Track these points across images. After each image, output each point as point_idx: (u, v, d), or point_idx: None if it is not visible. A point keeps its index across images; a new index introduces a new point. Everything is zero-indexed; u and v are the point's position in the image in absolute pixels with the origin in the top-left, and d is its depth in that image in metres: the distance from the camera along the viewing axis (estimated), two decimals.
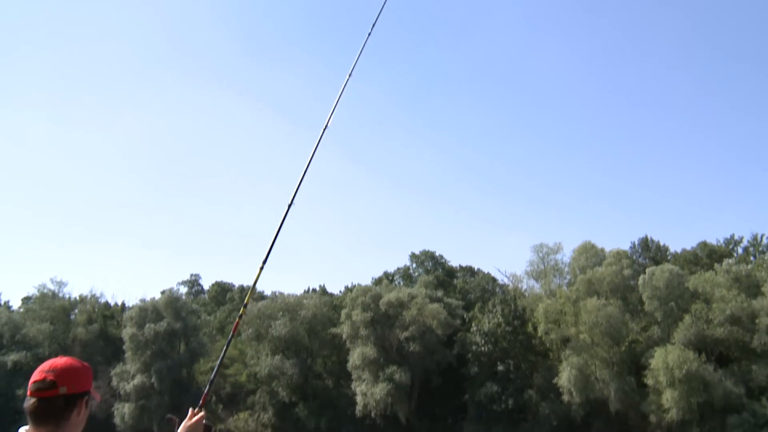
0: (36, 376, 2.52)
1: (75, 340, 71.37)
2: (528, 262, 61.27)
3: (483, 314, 58.67)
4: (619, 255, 55.09)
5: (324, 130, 4.25)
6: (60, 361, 2.58)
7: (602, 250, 57.07)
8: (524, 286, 63.22)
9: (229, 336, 3.75)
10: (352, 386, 58.56)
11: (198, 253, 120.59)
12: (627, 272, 52.92)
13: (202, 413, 3.02)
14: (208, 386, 3.40)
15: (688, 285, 50.34)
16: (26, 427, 2.52)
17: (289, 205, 3.95)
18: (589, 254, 56.63)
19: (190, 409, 3.01)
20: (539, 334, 54.54)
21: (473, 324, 58.37)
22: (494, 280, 69.15)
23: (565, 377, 50.03)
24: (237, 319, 3.80)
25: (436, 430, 54.98)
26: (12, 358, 69.07)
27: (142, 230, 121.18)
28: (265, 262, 3.86)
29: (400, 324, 58.12)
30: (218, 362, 3.66)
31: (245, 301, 3.85)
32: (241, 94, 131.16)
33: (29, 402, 2.50)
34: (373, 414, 55.86)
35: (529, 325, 56.69)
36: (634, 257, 59.71)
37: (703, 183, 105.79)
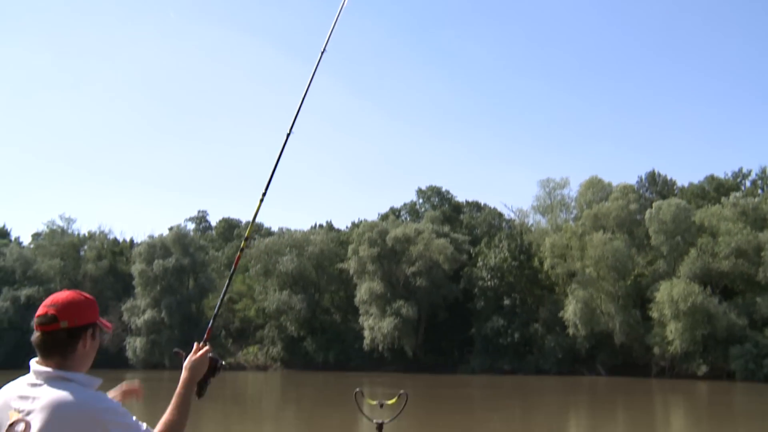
0: (39, 310, 2.56)
1: (85, 275, 72.32)
2: (534, 197, 61.13)
3: (489, 249, 58.95)
4: (626, 189, 54.92)
5: (321, 54, 4.11)
6: (62, 295, 2.60)
7: (609, 184, 56.86)
8: (530, 221, 63.29)
9: (232, 270, 3.73)
10: (360, 321, 59.38)
11: (204, 190, 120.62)
12: (633, 206, 52.85)
13: (207, 347, 3.03)
14: (212, 320, 3.40)
15: (695, 219, 50.32)
16: (36, 359, 2.56)
17: (288, 134, 3.86)
18: (596, 189, 56.44)
19: (195, 344, 3.03)
20: (545, 268, 54.86)
21: (479, 259, 58.70)
22: (501, 215, 69.20)
23: (570, 311, 50.57)
24: (238, 253, 3.75)
25: (443, 364, 55.94)
26: (25, 292, 70.13)
27: (148, 168, 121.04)
28: (264, 194, 3.80)
29: (407, 259, 58.52)
30: (221, 297, 3.65)
31: (246, 234, 3.81)
32: (245, 30, 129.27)
33: (35, 336, 2.54)
34: (380, 348, 56.78)
35: (535, 259, 56.98)
36: (641, 191, 59.49)
37: (711, 116, 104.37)
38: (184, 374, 2.92)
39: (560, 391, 36.59)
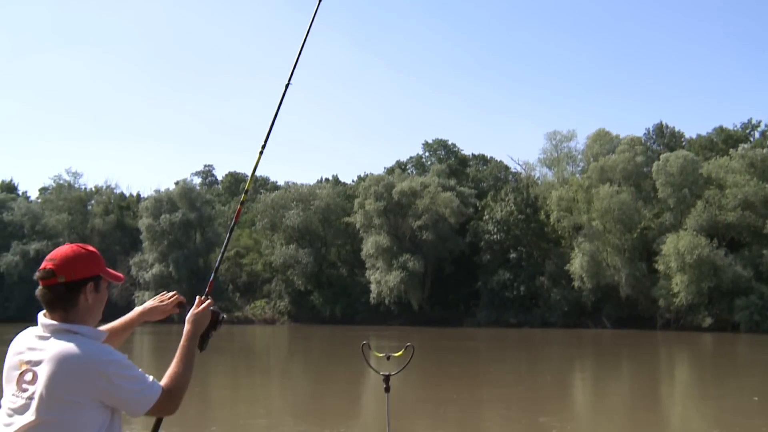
0: (41, 264, 2.56)
1: (93, 230, 72.75)
2: (541, 149, 60.85)
3: (495, 202, 58.88)
4: (633, 142, 54.52)
5: (320, 1, 4.00)
6: (62, 249, 2.61)
7: (616, 137, 56.43)
8: (537, 174, 63.04)
9: (232, 223, 3.70)
10: (366, 274, 59.70)
11: (210, 144, 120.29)
12: (640, 159, 52.53)
13: (209, 300, 3.04)
14: (213, 274, 3.40)
15: (702, 171, 50.02)
16: (44, 312, 2.58)
17: (287, 85, 3.79)
18: (603, 141, 56.05)
19: (197, 297, 3.03)
20: (551, 221, 54.82)
21: (486, 212, 58.67)
22: (507, 168, 68.90)
23: (576, 264, 50.69)
24: (239, 206, 3.72)
25: (449, 317, 56.37)
26: (33, 247, 70.68)
27: (153, 122, 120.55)
28: (264, 146, 3.74)
29: (413, 213, 58.55)
30: (222, 250, 3.64)
31: (246, 187, 3.77)
32: None
33: (38, 289, 2.56)
34: (386, 301, 57.18)
35: (542, 213, 56.92)
36: (648, 144, 59.02)
37: (720, 67, 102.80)
38: (186, 327, 2.91)
39: (566, 343, 36.91)
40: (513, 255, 55.90)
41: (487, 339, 39.80)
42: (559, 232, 55.37)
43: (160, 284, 64.88)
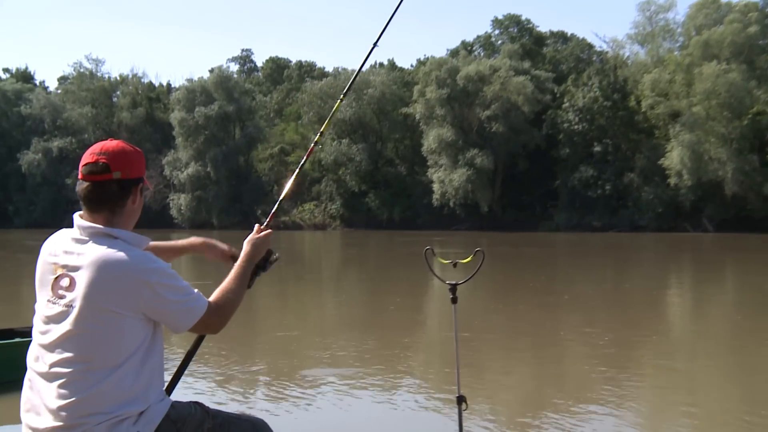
0: (87, 158, 2.57)
1: (120, 125, 74.09)
2: (632, 23, 58.98)
3: (577, 88, 57.64)
4: (747, 8, 52.01)
5: None
6: (112, 143, 2.62)
7: (727, 3, 53.83)
8: (627, 53, 61.15)
9: (302, 161, 3.68)
10: (428, 173, 59.74)
11: (248, 25, 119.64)
12: (755, 30, 50.18)
13: (269, 231, 3.07)
14: (276, 206, 3.44)
15: None
16: (80, 213, 2.60)
17: None
18: (709, 10, 53.54)
19: (257, 225, 3.08)
20: (643, 108, 53.53)
21: (565, 99, 57.58)
22: (591, 46, 67.08)
23: (673, 157, 49.65)
24: (311, 146, 3.74)
25: (522, 220, 56.32)
26: (56, 144, 72.62)
27: (182, 3, 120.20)
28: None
29: (481, 101, 57.82)
30: (285, 189, 3.66)
31: (321, 129, 3.78)
32: None
33: (82, 186, 2.57)
34: (451, 203, 57.34)
35: (632, 98, 55.55)
36: (767, 10, 56.11)
37: None
38: (245, 249, 2.97)
39: (659, 249, 36.60)
40: (597, 148, 55.04)
41: (567, 245, 39.76)
42: (653, 121, 54.10)
43: (197, 185, 66.28)
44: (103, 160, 2.55)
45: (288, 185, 3.64)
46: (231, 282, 2.79)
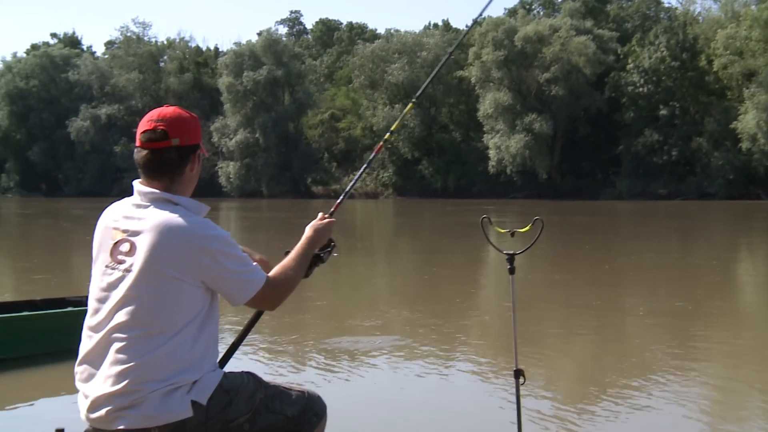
0: (144, 125, 2.63)
1: (168, 91, 75.02)
2: None
3: (643, 47, 56.54)
4: None
5: None
6: (168, 110, 2.68)
7: None
8: (697, 9, 59.90)
9: (370, 158, 3.74)
10: (484, 139, 59.41)
11: None
12: None
13: (332, 219, 3.12)
14: (342, 196, 3.50)
15: None
16: (140, 180, 2.67)
17: None
18: None
19: (320, 213, 3.13)
20: (715, 68, 52.35)
21: (630, 60, 56.58)
22: (658, 3, 65.73)
23: (747, 121, 48.52)
24: (380, 143, 3.79)
25: (583, 188, 55.74)
26: (104, 111, 73.92)
27: None
28: None
29: (540, 63, 57.14)
30: (353, 181, 3.74)
31: (392, 128, 3.84)
32: None
33: (140, 153, 2.64)
34: (508, 170, 57.00)
35: (702, 58, 54.33)
36: None
37: None
38: (307, 233, 3.03)
39: (729, 219, 35.92)
40: (663, 112, 54.10)
41: (630, 213, 39.25)
42: (725, 82, 52.90)
43: (246, 153, 66.92)
44: (162, 127, 2.60)
45: (356, 178, 3.72)
46: (291, 261, 2.85)
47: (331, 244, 3.18)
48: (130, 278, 2.51)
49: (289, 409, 2.77)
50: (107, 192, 64.77)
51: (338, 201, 3.48)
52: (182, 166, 2.64)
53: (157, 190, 2.60)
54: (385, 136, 3.86)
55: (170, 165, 2.62)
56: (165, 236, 2.50)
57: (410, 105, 3.95)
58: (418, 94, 4.02)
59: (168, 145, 2.60)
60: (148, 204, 2.59)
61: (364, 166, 3.66)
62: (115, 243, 2.57)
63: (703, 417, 5.90)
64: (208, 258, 2.51)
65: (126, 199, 2.69)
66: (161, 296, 2.49)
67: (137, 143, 2.65)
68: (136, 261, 2.51)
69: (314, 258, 3.08)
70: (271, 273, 2.75)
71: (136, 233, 2.55)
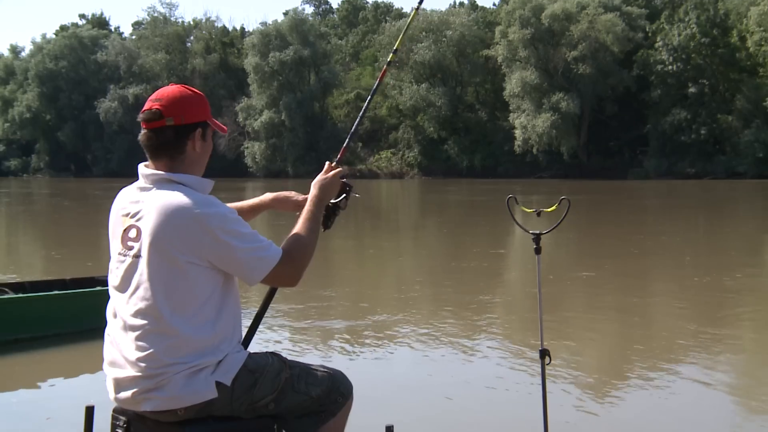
0: (146, 105, 2.62)
1: (194, 71, 75.29)
2: None
3: (672, 24, 55.75)
4: None
5: None
6: (168, 89, 2.65)
7: None
8: None
9: (374, 86, 3.65)
10: (510, 118, 59.07)
11: None
12: None
13: (339, 168, 3.03)
14: (347, 139, 3.38)
15: None
16: (145, 163, 2.66)
17: None
18: None
19: (327, 163, 3.04)
20: (748, 45, 51.52)
21: (659, 38, 55.84)
22: None
23: None
24: (384, 67, 3.66)
25: (610, 167, 55.31)
26: (132, 91, 74.34)
27: None
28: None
29: (567, 41, 56.60)
30: (360, 115, 3.61)
31: (395, 46, 3.69)
32: None
33: (142, 133, 2.63)
34: (534, 150, 56.69)
35: (734, 34, 53.53)
36: None
37: None
38: (312, 192, 2.94)
39: (759, 198, 35.52)
40: (692, 90, 53.45)
41: (658, 193, 38.91)
42: (758, 59, 51.94)
43: (272, 133, 67.04)
44: (157, 107, 2.58)
45: (362, 113, 3.60)
46: (300, 229, 2.76)
47: (347, 189, 3.08)
48: (139, 263, 2.50)
49: (314, 390, 2.75)
50: (134, 173, 63.73)
51: (344, 145, 3.38)
52: (181, 145, 2.61)
53: (158, 172, 2.58)
54: (390, 57, 3.72)
55: (168, 144, 2.60)
56: (164, 217, 2.47)
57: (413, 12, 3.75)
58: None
59: (162, 125, 2.58)
60: (151, 186, 2.58)
61: (369, 97, 3.57)
62: (125, 230, 2.57)
63: (731, 401, 5.86)
64: (209, 237, 2.46)
65: (133, 183, 2.67)
66: (171, 279, 2.47)
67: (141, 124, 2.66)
68: (142, 245, 2.49)
69: (333, 208, 3.02)
70: (283, 246, 2.67)
71: (140, 217, 2.53)
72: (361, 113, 3.57)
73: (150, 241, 2.48)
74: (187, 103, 2.63)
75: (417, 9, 3.73)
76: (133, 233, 2.54)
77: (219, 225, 2.48)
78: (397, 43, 3.72)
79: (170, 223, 2.47)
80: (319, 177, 2.99)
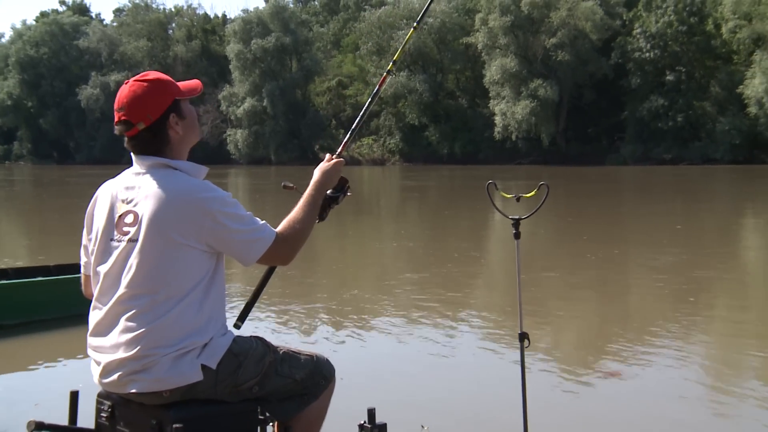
0: (115, 115, 2.64)
1: (176, 58, 74.80)
2: None
3: (650, 12, 55.79)
4: None
5: None
6: (124, 92, 2.66)
7: None
8: None
9: (374, 92, 3.67)
10: (490, 105, 59.06)
11: None
12: None
13: (340, 159, 3.06)
14: (348, 135, 3.42)
15: None
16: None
17: None
18: None
19: (328, 155, 3.08)
20: (723, 33, 51.69)
21: (636, 25, 55.90)
22: None
23: (755, 85, 47.82)
24: (384, 75, 3.70)
25: (589, 153, 55.46)
26: (114, 78, 73.71)
27: None
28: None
29: (546, 29, 56.57)
30: (359, 118, 3.63)
31: (394, 58, 3.74)
32: None
33: (125, 141, 2.65)
34: (514, 136, 56.73)
35: (709, 22, 53.68)
36: None
37: None
38: (315, 177, 2.97)
39: (734, 183, 35.78)
40: (669, 77, 53.60)
41: (634, 178, 39.15)
42: (733, 46, 52.15)
43: (254, 121, 66.78)
44: (123, 117, 2.61)
45: (363, 110, 3.62)
46: (299, 211, 2.79)
47: (345, 185, 3.12)
48: (134, 248, 2.50)
49: (297, 373, 2.77)
50: (118, 160, 64.57)
51: (344, 141, 3.42)
52: (162, 138, 2.63)
53: (154, 157, 2.61)
54: (389, 67, 3.77)
55: (150, 144, 2.62)
56: (164, 202, 2.49)
57: (411, 30, 3.81)
58: (420, 17, 3.86)
59: (137, 132, 2.60)
60: (146, 171, 2.60)
61: (368, 101, 3.60)
62: (120, 215, 2.57)
63: (705, 377, 5.94)
64: (209, 220, 2.49)
65: (126, 170, 2.69)
66: (167, 262, 2.49)
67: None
68: (139, 229, 2.50)
69: (329, 200, 3.05)
70: (280, 227, 2.71)
71: (137, 202, 2.54)
72: (361, 114, 3.60)
73: (149, 225, 2.49)
74: (146, 99, 2.62)
75: (415, 28, 3.80)
76: (129, 218, 2.54)
77: (219, 208, 2.52)
78: (396, 55, 3.80)
79: (171, 207, 2.50)
80: (323, 164, 3.04)
